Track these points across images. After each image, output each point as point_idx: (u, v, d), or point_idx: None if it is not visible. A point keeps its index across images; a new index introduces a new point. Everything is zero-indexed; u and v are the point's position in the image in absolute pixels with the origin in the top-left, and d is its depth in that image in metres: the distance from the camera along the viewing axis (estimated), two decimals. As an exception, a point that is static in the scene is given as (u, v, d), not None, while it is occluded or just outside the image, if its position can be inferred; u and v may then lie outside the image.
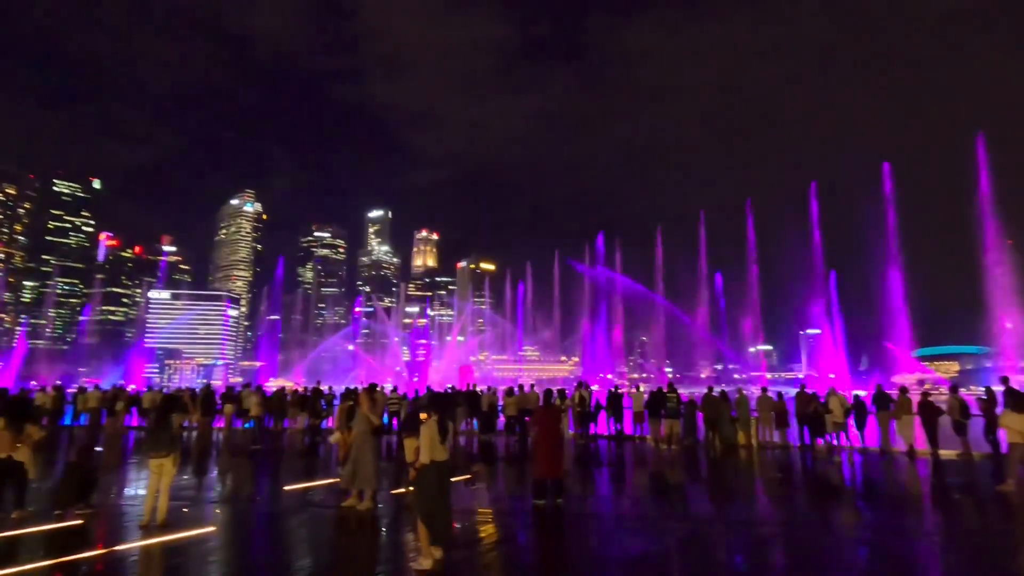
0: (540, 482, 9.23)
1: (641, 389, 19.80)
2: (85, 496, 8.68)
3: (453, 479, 11.37)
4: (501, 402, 20.74)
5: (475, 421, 20.77)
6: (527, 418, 19.41)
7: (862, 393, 18.10)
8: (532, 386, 20.62)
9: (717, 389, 18.07)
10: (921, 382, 56.19)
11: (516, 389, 20.38)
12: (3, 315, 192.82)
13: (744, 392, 18.16)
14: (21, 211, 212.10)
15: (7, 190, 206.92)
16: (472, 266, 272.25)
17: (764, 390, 18.06)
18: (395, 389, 21.85)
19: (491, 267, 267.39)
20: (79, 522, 8.10)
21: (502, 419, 20.53)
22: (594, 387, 29.34)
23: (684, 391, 19.30)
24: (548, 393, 10.73)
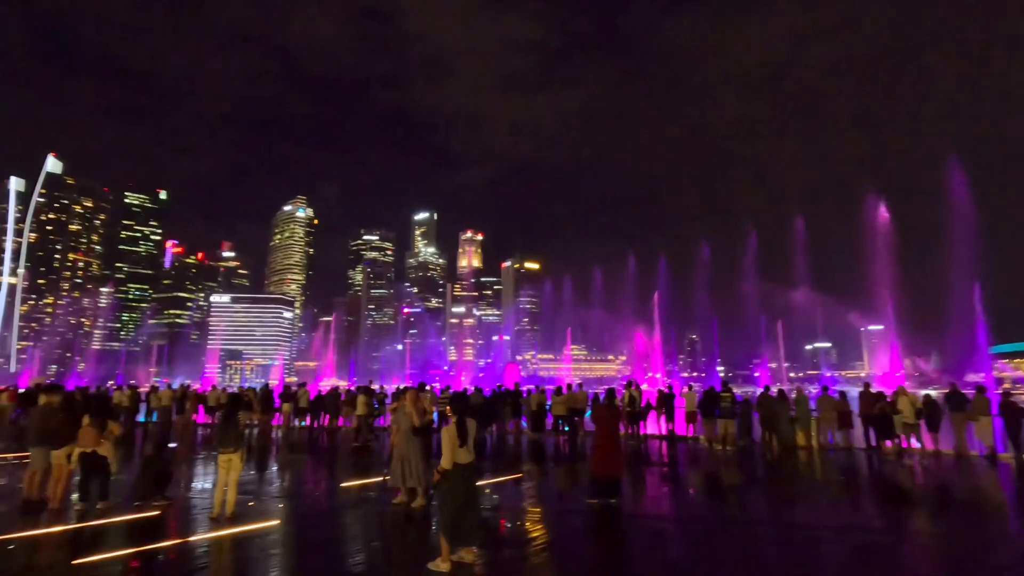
0: (597, 481, 9.18)
1: (693, 388, 19.37)
2: (161, 488, 9.24)
3: (502, 479, 11.51)
4: (549, 401, 20.72)
5: (523, 420, 20.83)
6: (576, 417, 19.37)
7: (934, 392, 17.07)
8: (580, 385, 20.48)
9: (774, 388, 17.44)
10: (1000, 381, 52.43)
11: (564, 388, 20.31)
12: (83, 319, 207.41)
13: (803, 391, 17.46)
14: (97, 222, 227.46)
15: (85, 203, 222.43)
16: (517, 266, 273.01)
17: (825, 389, 17.30)
18: (447, 388, 22.17)
19: (536, 266, 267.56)
20: (156, 513, 8.62)
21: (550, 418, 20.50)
22: (643, 386, 28.87)
23: (738, 390, 18.75)
24: (611, 392, 10.61)
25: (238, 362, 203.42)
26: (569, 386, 20.60)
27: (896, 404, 15.36)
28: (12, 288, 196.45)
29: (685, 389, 19.44)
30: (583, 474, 10.80)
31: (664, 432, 19.22)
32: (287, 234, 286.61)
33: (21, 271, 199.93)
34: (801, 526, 8.51)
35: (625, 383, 20.65)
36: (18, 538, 7.44)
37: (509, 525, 8.41)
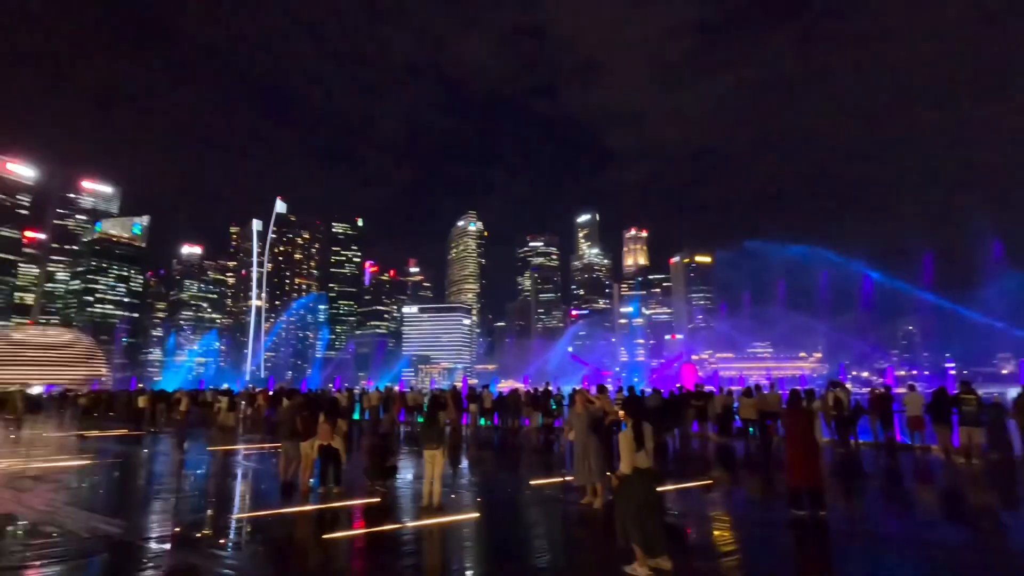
0: (796, 491, 8.36)
1: (917, 389, 16.42)
2: (389, 475, 10.59)
3: (688, 486, 10.96)
4: (736, 403, 19.26)
5: (709, 424, 19.66)
6: (768, 421, 17.69)
7: None
8: (772, 386, 18.67)
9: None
10: None
11: (754, 390, 18.71)
12: (308, 333, 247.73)
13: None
14: (313, 250, 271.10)
15: (304, 236, 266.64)
16: (686, 260, 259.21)
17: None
18: (620, 389, 21.92)
19: (707, 259, 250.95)
20: (378, 500, 9.91)
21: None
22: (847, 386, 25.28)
23: (980, 391, 15.34)
24: (795, 394, 9.60)
25: (428, 366, 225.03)
26: (758, 387, 18.94)
27: None
28: (259, 310, 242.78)
29: (906, 390, 16.56)
30: (779, 483, 9.81)
31: (883, 440, 16.57)
32: (461, 247, 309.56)
33: (263, 295, 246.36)
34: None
35: (828, 383, 18.30)
36: (279, 514, 9.14)
37: (699, 533, 7.99)
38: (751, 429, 18.35)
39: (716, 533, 8.01)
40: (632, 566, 6.00)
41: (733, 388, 21.36)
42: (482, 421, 25.20)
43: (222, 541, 7.59)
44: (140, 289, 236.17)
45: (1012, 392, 17.30)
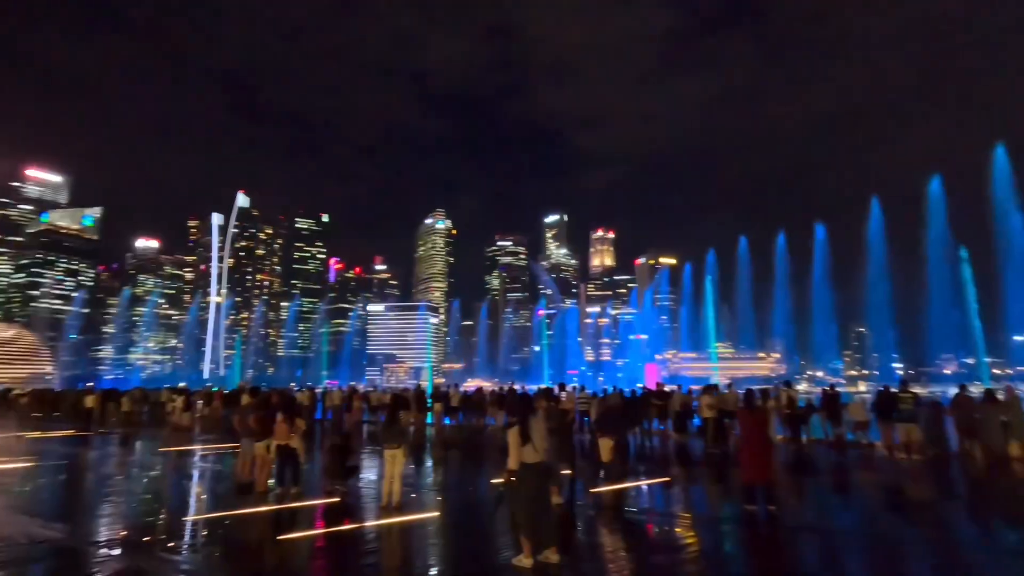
0: (749, 487, 8.66)
1: (861, 388, 17.17)
2: (348, 476, 10.46)
3: (648, 483, 11.22)
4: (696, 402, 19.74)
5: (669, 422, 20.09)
6: (726, 420, 18.20)
7: None
8: (730, 385, 19.24)
9: (976, 388, 14.84)
10: None
11: (713, 388, 19.21)
12: (270, 330, 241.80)
13: (1016, 391, 14.64)
14: (276, 246, 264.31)
15: (267, 231, 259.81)
16: (651, 261, 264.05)
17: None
18: (583, 388, 22.21)
19: (672, 261, 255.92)
20: (337, 499, 9.79)
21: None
22: (799, 387, 26.26)
23: (923, 391, 16.21)
24: (750, 393, 9.94)
25: (393, 365, 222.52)
26: (716, 386, 19.47)
27: None
28: (219, 306, 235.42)
29: (854, 388, 17.31)
30: (734, 480, 10.15)
31: (831, 438, 17.28)
32: (429, 245, 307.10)
33: (224, 291, 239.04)
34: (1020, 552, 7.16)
35: (782, 383, 18.97)
36: (234, 515, 8.93)
37: (659, 530, 8.20)
38: (711, 428, 18.81)
39: (673, 529, 8.22)
40: (519, 557, 6.14)
41: (693, 387, 21.89)
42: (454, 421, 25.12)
43: (174, 544, 7.38)
44: (91, 284, 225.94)
45: (953, 391, 18.28)
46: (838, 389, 18.69)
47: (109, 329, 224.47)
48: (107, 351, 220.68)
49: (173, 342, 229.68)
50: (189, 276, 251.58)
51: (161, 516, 9.11)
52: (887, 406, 15.00)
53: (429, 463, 15.20)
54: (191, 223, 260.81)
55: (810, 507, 10.03)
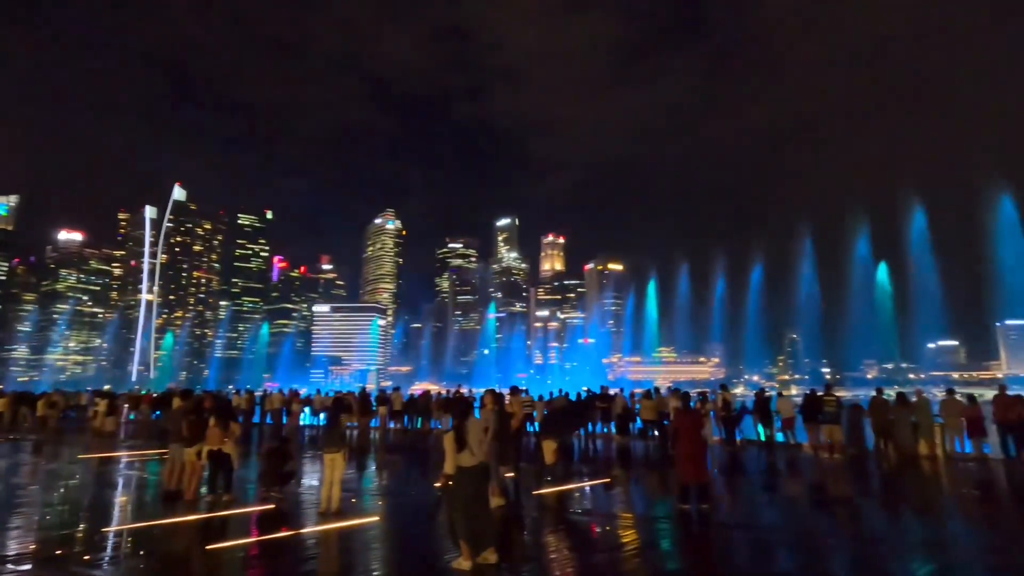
0: (684, 486, 9.00)
1: (793, 391, 18.16)
2: (284, 482, 10.12)
3: (590, 484, 11.44)
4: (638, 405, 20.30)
5: (612, 424, 20.55)
6: (665, 422, 18.81)
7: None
8: (669, 389, 19.89)
9: (891, 391, 15.98)
10: None
11: (654, 392, 19.82)
12: (207, 331, 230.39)
13: (924, 395, 15.86)
14: (215, 242, 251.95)
15: (205, 226, 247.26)
16: (600, 267, 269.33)
17: (950, 392, 15.62)
18: (526, 390, 22.35)
19: (619, 267, 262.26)
20: (272, 506, 9.46)
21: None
22: (736, 390, 27.45)
23: (847, 394, 17.31)
24: (686, 396, 10.33)
25: (338, 367, 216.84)
26: (657, 389, 20.09)
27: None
28: (149, 304, 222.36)
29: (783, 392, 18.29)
30: (672, 480, 10.52)
31: (763, 439, 18.18)
32: (378, 246, 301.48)
33: (156, 289, 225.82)
34: (929, 543, 7.76)
35: (719, 386, 19.79)
36: (160, 525, 8.47)
37: (599, 530, 8.38)
38: (651, 430, 19.40)
39: (613, 528, 8.42)
40: (458, 560, 6.19)
41: (635, 391, 22.47)
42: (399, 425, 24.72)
43: (91, 557, 6.92)
44: (4, 278, 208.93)
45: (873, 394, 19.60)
46: (770, 393, 19.69)
47: (24, 327, 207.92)
48: (21, 351, 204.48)
49: (97, 342, 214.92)
50: (118, 272, 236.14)
51: (79, 527, 8.53)
52: (813, 409, 15.97)
53: (371, 467, 14.91)
54: (121, 216, 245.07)
55: (741, 505, 10.51)
